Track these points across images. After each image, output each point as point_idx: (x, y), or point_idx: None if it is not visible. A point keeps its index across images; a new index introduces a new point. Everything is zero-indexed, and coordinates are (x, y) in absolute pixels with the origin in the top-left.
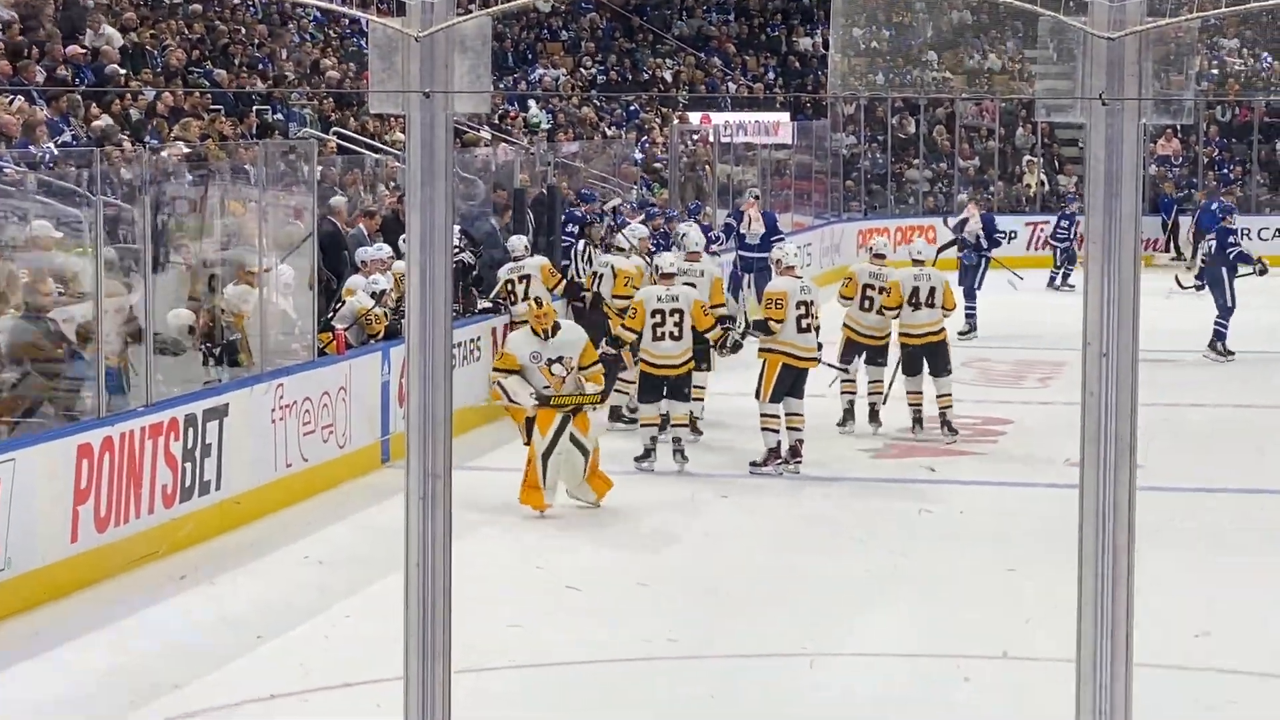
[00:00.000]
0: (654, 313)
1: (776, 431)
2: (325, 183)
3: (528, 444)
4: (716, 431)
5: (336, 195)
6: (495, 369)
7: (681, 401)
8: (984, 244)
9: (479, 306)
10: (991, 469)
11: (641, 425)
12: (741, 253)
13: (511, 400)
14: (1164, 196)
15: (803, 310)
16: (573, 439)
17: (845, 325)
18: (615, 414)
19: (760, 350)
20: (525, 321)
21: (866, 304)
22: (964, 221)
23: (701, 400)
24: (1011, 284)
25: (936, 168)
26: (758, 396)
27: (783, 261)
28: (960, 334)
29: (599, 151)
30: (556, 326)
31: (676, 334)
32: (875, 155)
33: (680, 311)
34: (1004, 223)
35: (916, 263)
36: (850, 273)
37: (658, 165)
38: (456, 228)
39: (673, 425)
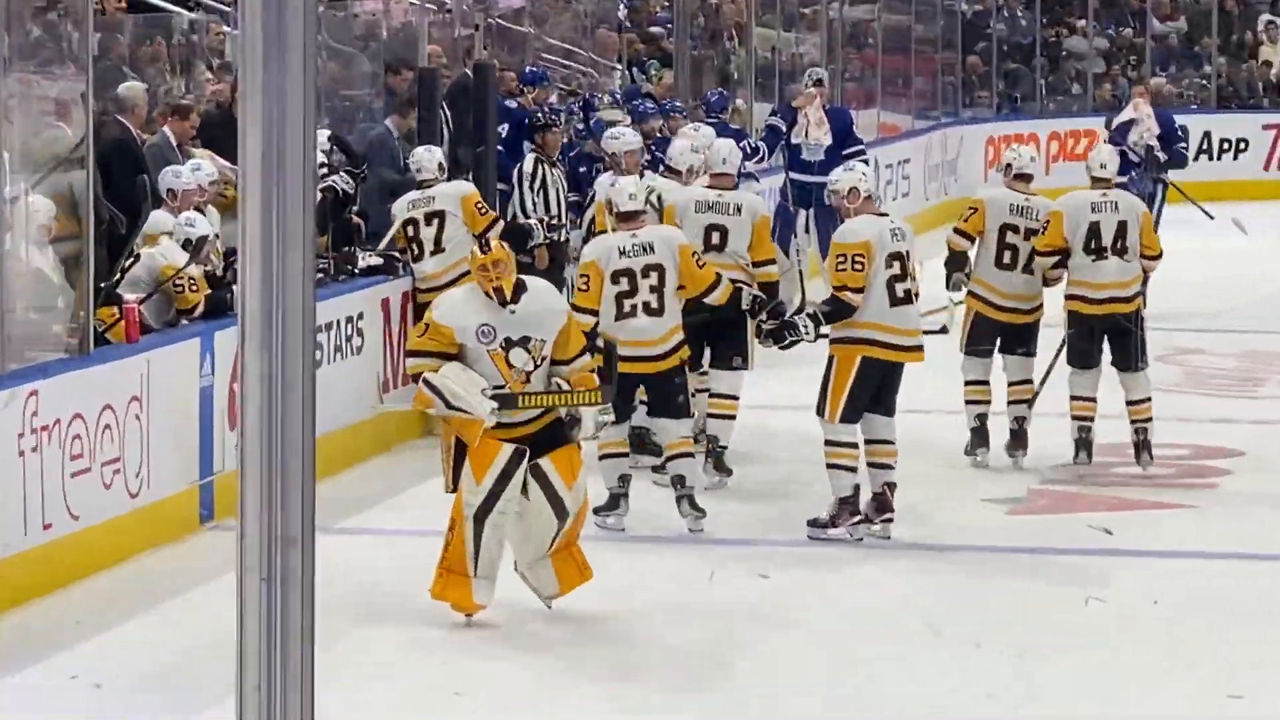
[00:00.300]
0: (616, 275)
1: (853, 470)
2: (109, 59)
3: (452, 490)
4: (752, 468)
5: (128, 81)
6: (414, 351)
7: (672, 418)
8: (1161, 159)
9: (361, 263)
10: (1206, 531)
11: (601, 456)
12: (795, 175)
13: (451, 405)
14: None
15: (895, 268)
16: (542, 483)
17: (970, 292)
18: (640, 442)
19: (831, 341)
20: (450, 282)
21: (1008, 257)
22: (1129, 124)
23: (729, 416)
24: (1238, 225)
25: (1118, 34)
26: (821, 413)
27: (857, 191)
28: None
29: (559, 7)
30: (520, 288)
31: (654, 305)
32: (1017, 14)
33: (658, 268)
34: (1227, 124)
35: (1097, 183)
36: (977, 202)
37: (655, 30)
38: (324, 133)
39: (670, 458)
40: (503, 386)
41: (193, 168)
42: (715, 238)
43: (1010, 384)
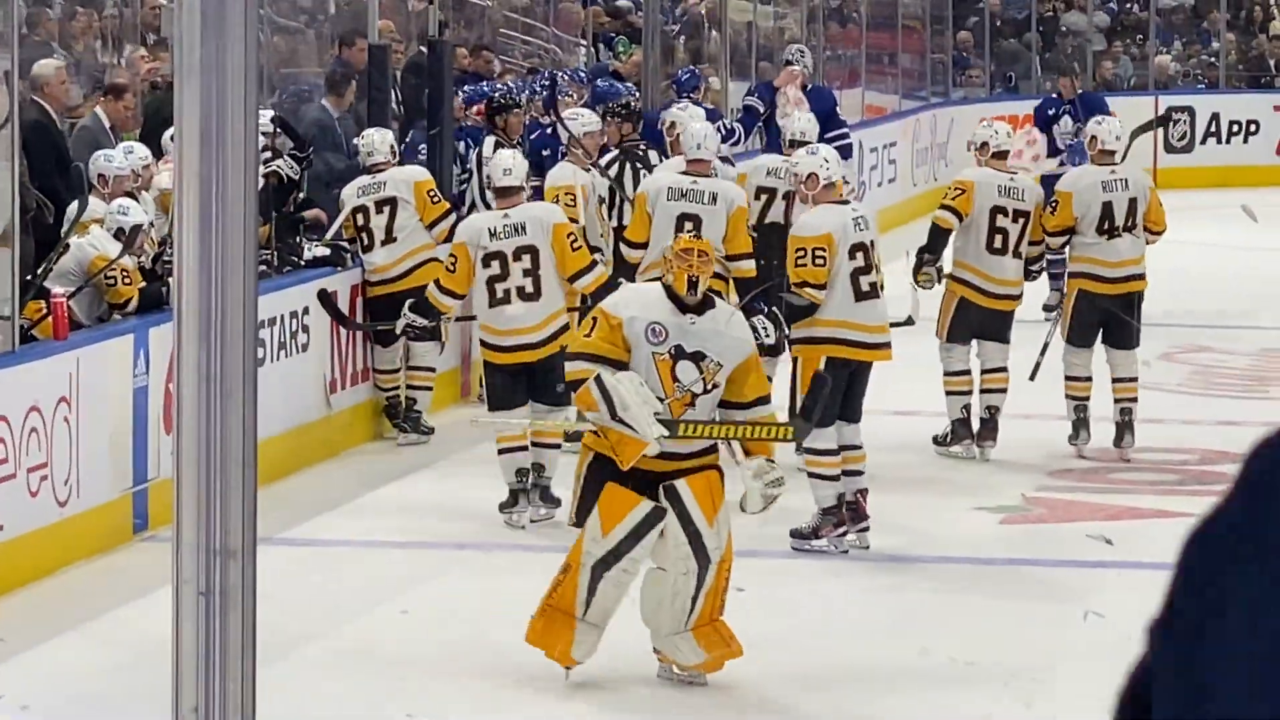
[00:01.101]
0: (487, 258)
1: (835, 479)
2: (36, 35)
3: (575, 524)
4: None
5: (50, 57)
6: (578, 354)
7: (547, 404)
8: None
9: (306, 254)
10: None
11: (500, 451)
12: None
13: (616, 415)
14: None
15: (859, 260)
16: (679, 512)
17: (952, 278)
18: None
19: (793, 343)
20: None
21: (999, 241)
22: (1055, 104)
23: None
24: (1248, 213)
25: (1120, 8)
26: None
27: (816, 177)
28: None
29: None
30: (709, 302)
31: (530, 289)
32: None
33: (531, 250)
34: (1237, 105)
35: (1104, 156)
36: (966, 183)
37: (625, 3)
38: (267, 114)
39: (535, 444)
40: (661, 401)
41: (125, 151)
42: (688, 227)
43: (985, 372)
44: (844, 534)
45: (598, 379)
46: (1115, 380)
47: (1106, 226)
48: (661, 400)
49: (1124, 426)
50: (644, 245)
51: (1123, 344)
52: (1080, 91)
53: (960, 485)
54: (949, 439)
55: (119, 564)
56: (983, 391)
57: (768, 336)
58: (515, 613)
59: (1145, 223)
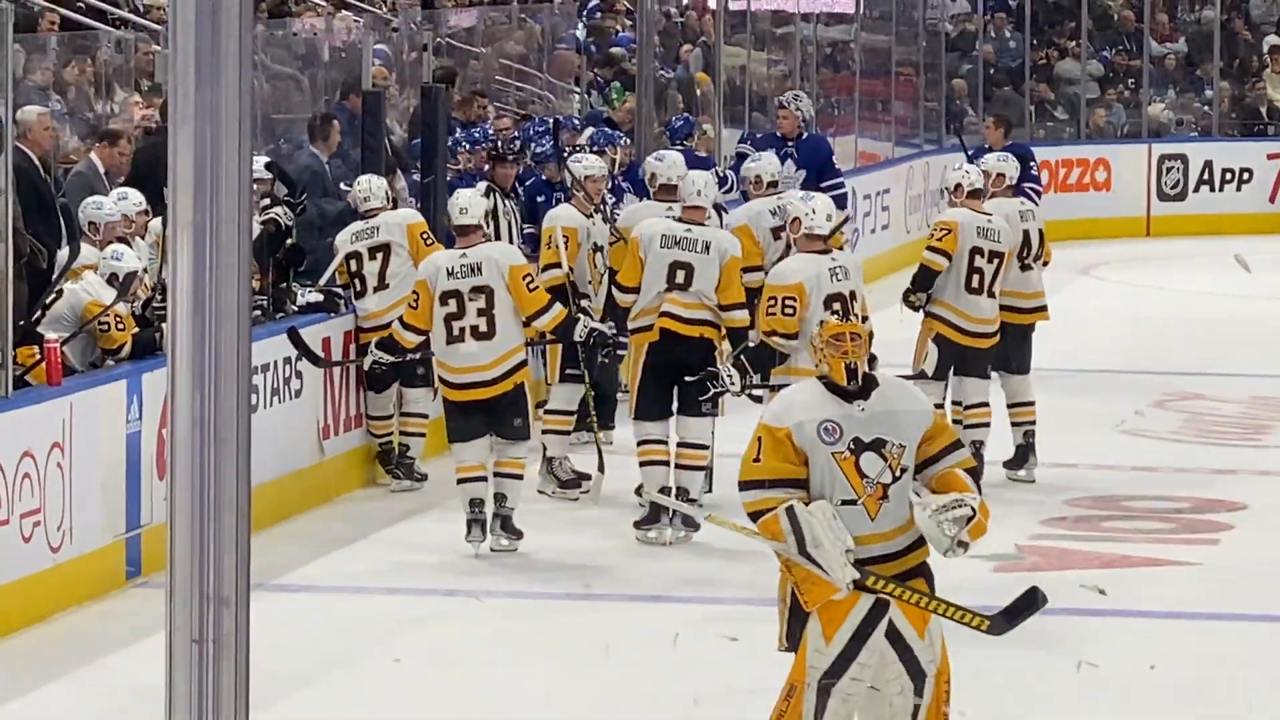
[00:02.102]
0: (444, 296)
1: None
2: (27, 79)
3: (787, 648)
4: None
5: (35, 103)
6: (753, 482)
7: (507, 440)
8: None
9: (301, 299)
10: (1207, 590)
11: (459, 480)
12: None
13: (805, 550)
14: None
15: (835, 311)
16: (900, 651)
17: (932, 315)
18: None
19: (771, 389)
20: (382, 325)
21: (976, 280)
22: (981, 152)
23: (698, 467)
24: (1240, 263)
25: (1114, 57)
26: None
27: (798, 223)
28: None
29: (513, 25)
30: (871, 382)
31: (484, 329)
32: (1004, 34)
33: (486, 290)
34: (1230, 153)
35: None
36: (951, 223)
37: (618, 50)
38: (262, 160)
39: (497, 474)
40: (855, 501)
41: (118, 197)
42: (680, 276)
43: (968, 407)
44: None
45: (789, 510)
46: (1019, 405)
47: (1024, 255)
48: (855, 503)
49: (1030, 449)
50: (636, 290)
51: (1024, 368)
52: (1010, 142)
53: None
54: None
55: (112, 610)
56: (966, 427)
57: (733, 384)
58: (510, 660)
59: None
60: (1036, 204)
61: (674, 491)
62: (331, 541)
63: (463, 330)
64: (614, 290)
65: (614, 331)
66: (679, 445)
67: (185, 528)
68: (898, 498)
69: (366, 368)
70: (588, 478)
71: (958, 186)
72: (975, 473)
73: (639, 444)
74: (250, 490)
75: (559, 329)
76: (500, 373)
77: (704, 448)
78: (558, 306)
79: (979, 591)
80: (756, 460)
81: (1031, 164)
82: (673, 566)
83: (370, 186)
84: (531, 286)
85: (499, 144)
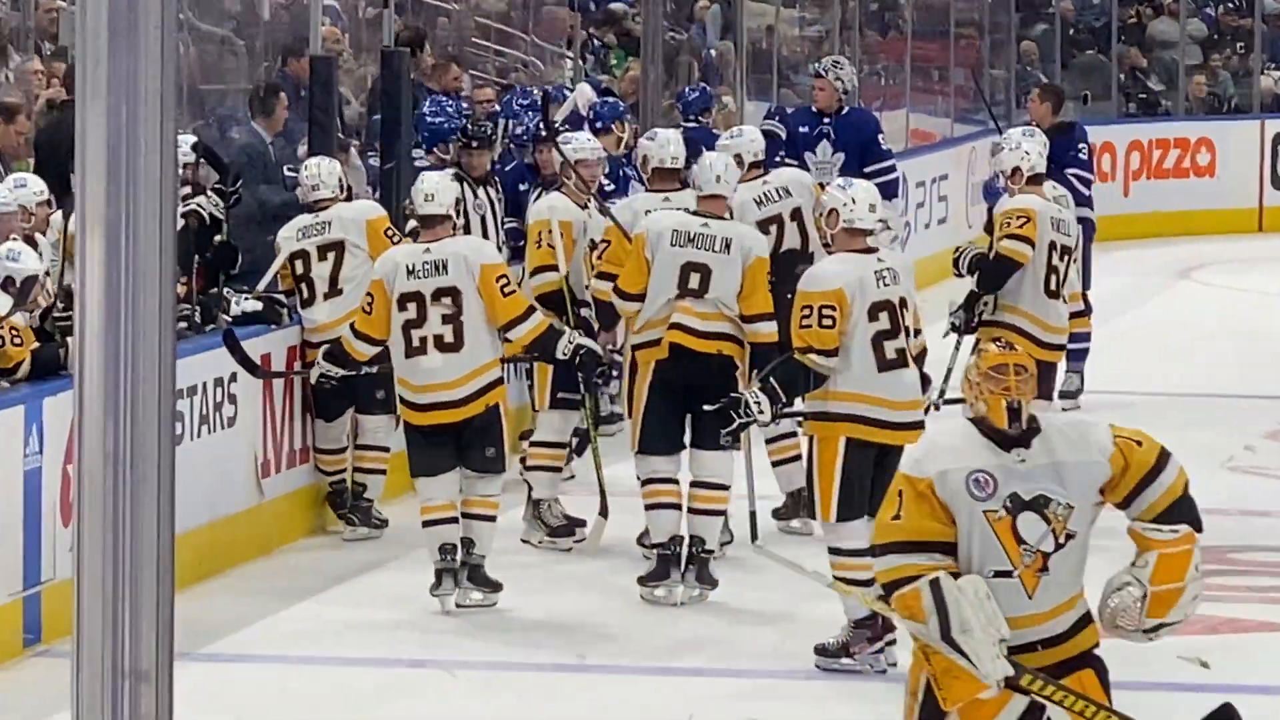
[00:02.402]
0: (403, 299)
1: (866, 584)
2: None
3: None
4: (744, 578)
5: None
6: (888, 545)
7: (477, 472)
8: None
9: (235, 308)
10: None
11: (424, 524)
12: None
13: (948, 635)
14: None
15: (882, 322)
16: None
17: (1002, 325)
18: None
19: (805, 418)
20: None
21: (1054, 281)
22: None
23: (716, 512)
24: None
25: (1220, 16)
26: (813, 513)
27: (836, 215)
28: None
29: None
30: (1034, 425)
31: (450, 339)
32: None
33: (452, 292)
34: None
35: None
36: (1028, 210)
37: (619, 7)
38: (188, 140)
39: (466, 515)
40: (1010, 573)
41: (14, 184)
42: (694, 280)
43: None
44: (879, 650)
45: (934, 585)
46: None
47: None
48: (1009, 574)
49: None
50: (640, 297)
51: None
52: (1058, 120)
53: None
54: None
55: (6, 684)
56: None
57: (761, 413)
58: None
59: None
60: (1083, 196)
61: (686, 541)
62: (272, 600)
63: (424, 340)
64: (614, 298)
65: (610, 350)
66: (693, 485)
67: (95, 585)
68: (1062, 569)
69: (313, 381)
70: (582, 524)
71: (1015, 170)
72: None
73: (644, 483)
74: (174, 540)
75: (539, 343)
76: (468, 392)
77: (724, 488)
78: (537, 316)
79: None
80: (895, 518)
81: (1080, 146)
82: (684, 631)
83: (319, 172)
84: (507, 290)
85: (466, 127)
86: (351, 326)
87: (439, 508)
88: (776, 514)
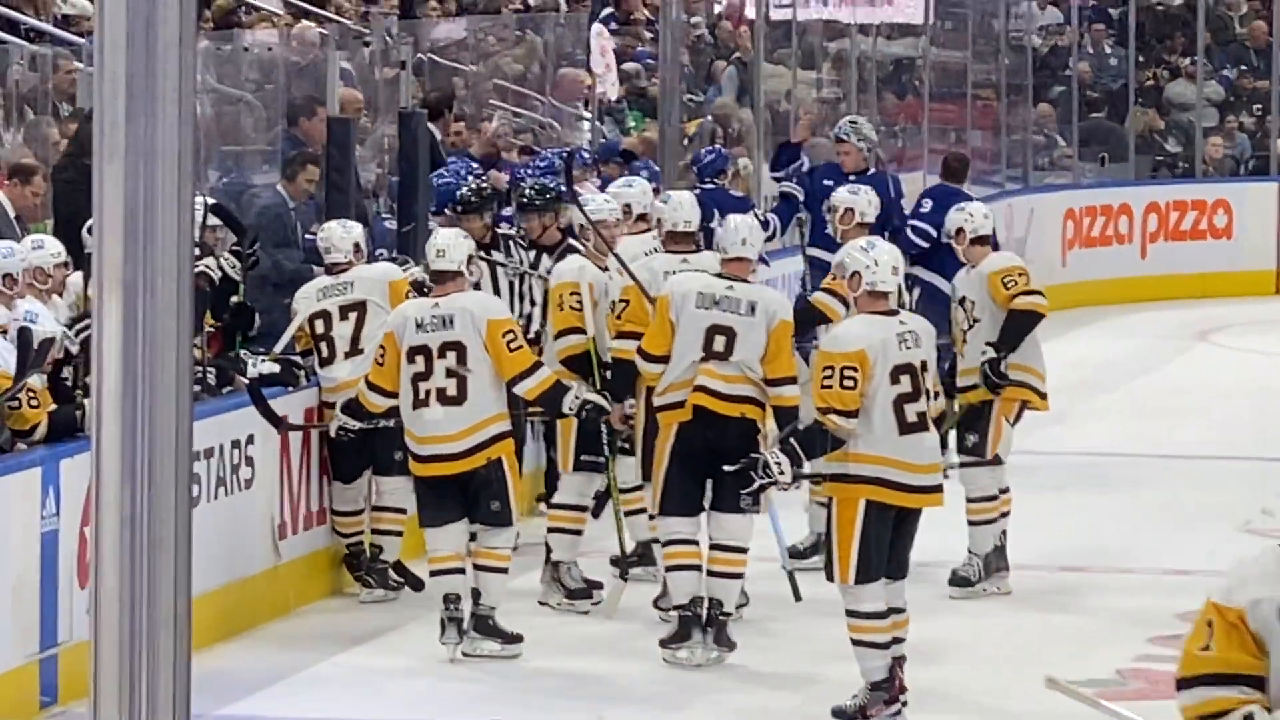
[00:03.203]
0: (412, 352)
1: (885, 646)
2: None
3: None
4: (761, 640)
5: None
6: (1191, 678)
7: (490, 525)
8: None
9: (252, 370)
10: None
11: (431, 572)
12: (818, 253)
13: None
14: None
15: (904, 385)
16: None
17: (1018, 384)
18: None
19: (825, 479)
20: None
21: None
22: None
23: (734, 575)
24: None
25: (1236, 78)
26: (831, 576)
27: (859, 278)
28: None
29: (510, 38)
30: None
31: (453, 392)
32: (1104, 49)
33: (457, 347)
34: None
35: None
36: (1021, 266)
37: (632, 68)
38: (203, 202)
39: (477, 567)
40: None
41: (33, 245)
42: (719, 342)
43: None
44: (896, 713)
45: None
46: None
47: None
48: None
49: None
50: (664, 359)
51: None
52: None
53: (1037, 652)
54: (978, 576)
55: None
56: (1003, 515)
57: (782, 474)
58: None
59: None
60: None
61: (706, 603)
62: (289, 663)
63: (429, 393)
64: (638, 359)
65: (613, 404)
66: (713, 548)
67: (112, 647)
68: None
69: (332, 434)
70: (599, 586)
71: (959, 231)
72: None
73: (665, 544)
74: (190, 602)
75: (545, 398)
76: (468, 445)
77: (742, 551)
78: (544, 371)
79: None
80: (1205, 649)
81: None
82: (702, 693)
83: (332, 236)
84: (513, 345)
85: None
86: (365, 379)
87: (444, 558)
88: (795, 552)
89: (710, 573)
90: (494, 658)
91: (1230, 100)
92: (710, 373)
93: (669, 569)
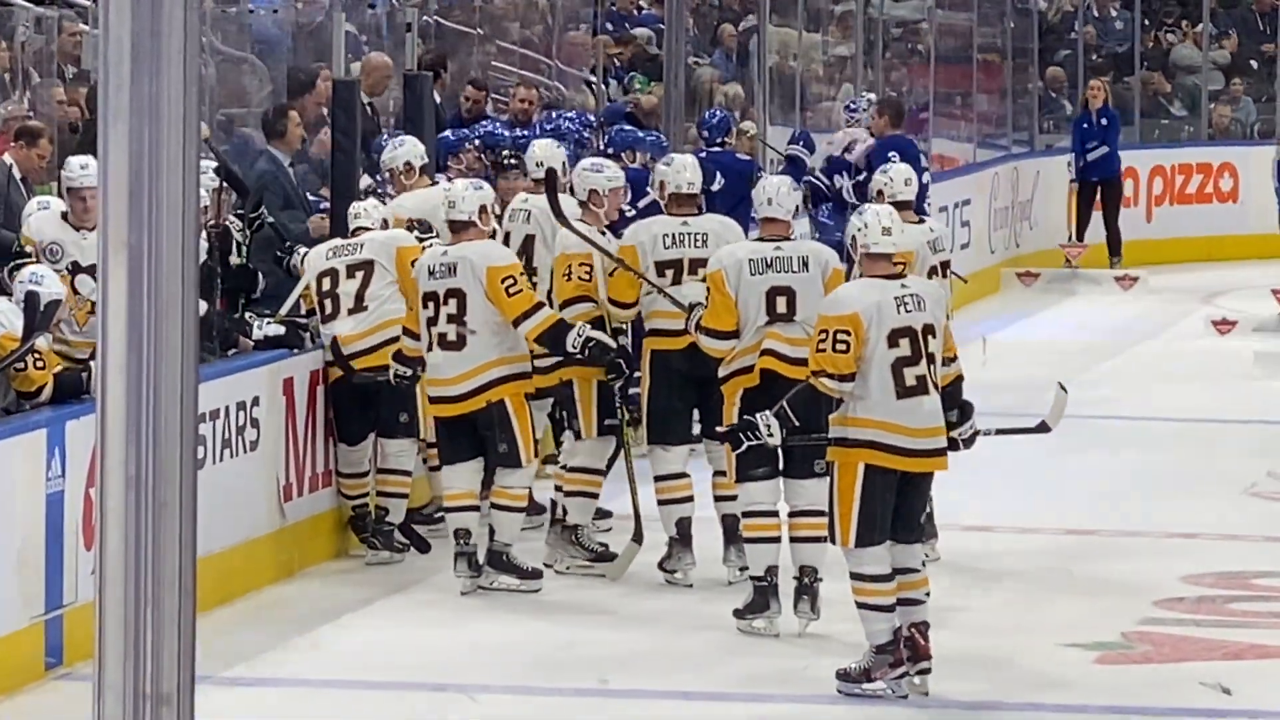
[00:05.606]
0: (425, 298)
1: (889, 609)
2: None
3: None
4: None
5: None
6: None
7: (503, 466)
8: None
9: (258, 332)
10: None
11: (444, 509)
12: (829, 223)
13: None
14: None
15: (903, 348)
16: None
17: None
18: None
19: (829, 441)
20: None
21: None
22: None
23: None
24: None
25: (1241, 41)
26: (833, 538)
27: (855, 242)
28: None
29: (515, 4)
30: None
31: (453, 338)
32: (1110, 13)
33: (459, 294)
34: None
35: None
36: None
37: (640, 32)
38: (210, 164)
39: (493, 505)
40: None
41: (36, 208)
42: (781, 304)
43: None
44: (902, 675)
45: None
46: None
47: None
48: None
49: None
50: (734, 334)
51: None
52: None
53: (1047, 617)
54: None
55: (27, 708)
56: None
57: (770, 436)
58: None
59: None
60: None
61: (794, 571)
62: (294, 624)
63: (436, 337)
64: (702, 338)
65: (618, 345)
66: (791, 515)
67: (118, 609)
68: None
69: (392, 381)
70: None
71: (879, 194)
72: None
73: (744, 515)
74: (195, 563)
75: (548, 336)
76: (466, 389)
77: (823, 514)
78: (545, 310)
79: (1080, 688)
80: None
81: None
82: (706, 656)
83: (361, 209)
84: (512, 290)
85: (497, 148)
86: (403, 326)
87: (456, 495)
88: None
89: (795, 539)
90: (512, 591)
91: (1236, 64)
92: (777, 335)
93: (749, 540)
